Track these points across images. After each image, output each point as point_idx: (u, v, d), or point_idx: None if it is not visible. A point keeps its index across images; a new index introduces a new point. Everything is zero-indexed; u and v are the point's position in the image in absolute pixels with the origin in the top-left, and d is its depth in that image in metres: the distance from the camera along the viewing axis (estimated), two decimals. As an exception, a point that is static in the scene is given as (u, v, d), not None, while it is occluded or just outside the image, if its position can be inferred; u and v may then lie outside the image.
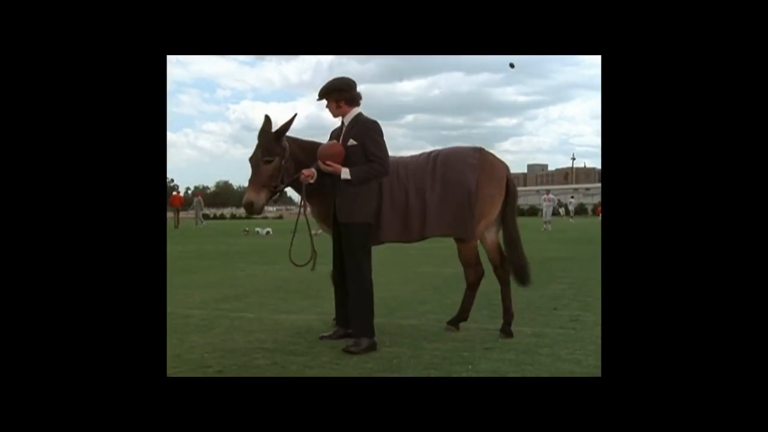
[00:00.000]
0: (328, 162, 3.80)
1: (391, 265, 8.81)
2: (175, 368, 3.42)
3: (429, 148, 4.33)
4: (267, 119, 4.03)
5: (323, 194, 4.02)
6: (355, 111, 3.99)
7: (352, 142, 3.86)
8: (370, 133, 3.88)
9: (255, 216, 5.23)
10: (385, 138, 3.95)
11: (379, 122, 3.95)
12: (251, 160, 4.02)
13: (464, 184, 4.08)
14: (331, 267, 4.14)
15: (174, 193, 30.78)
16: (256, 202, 3.97)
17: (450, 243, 4.37)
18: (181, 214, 28.02)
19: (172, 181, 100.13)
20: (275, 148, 4.00)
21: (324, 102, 3.98)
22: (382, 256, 10.60)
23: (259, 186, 3.99)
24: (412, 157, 4.35)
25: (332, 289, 4.19)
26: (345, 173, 3.78)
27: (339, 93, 3.95)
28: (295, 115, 4.07)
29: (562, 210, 35.85)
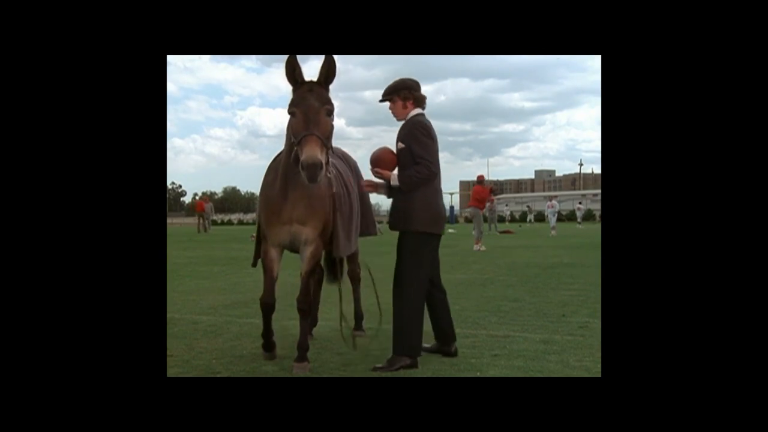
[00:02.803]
0: (377, 169, 3.58)
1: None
2: (183, 374, 3.42)
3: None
4: (293, 60, 3.15)
5: (309, 194, 3.36)
6: (415, 112, 3.67)
7: (400, 145, 3.59)
8: (415, 133, 3.57)
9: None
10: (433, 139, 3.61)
11: (426, 124, 3.61)
12: (299, 108, 3.12)
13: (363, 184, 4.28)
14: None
15: (198, 200, 31.56)
16: (324, 163, 2.99)
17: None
18: (188, 220, 28.50)
19: (180, 186, 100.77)
20: (332, 102, 3.21)
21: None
22: (389, 260, 10.55)
23: (322, 142, 3.03)
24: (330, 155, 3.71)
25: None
26: (394, 179, 3.56)
27: (408, 91, 3.66)
28: (332, 58, 3.21)
29: (579, 215, 35.03)
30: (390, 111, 3.72)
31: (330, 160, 3.51)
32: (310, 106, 3.09)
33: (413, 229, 3.55)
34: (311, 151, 2.94)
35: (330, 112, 3.15)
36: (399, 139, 3.61)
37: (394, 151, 3.63)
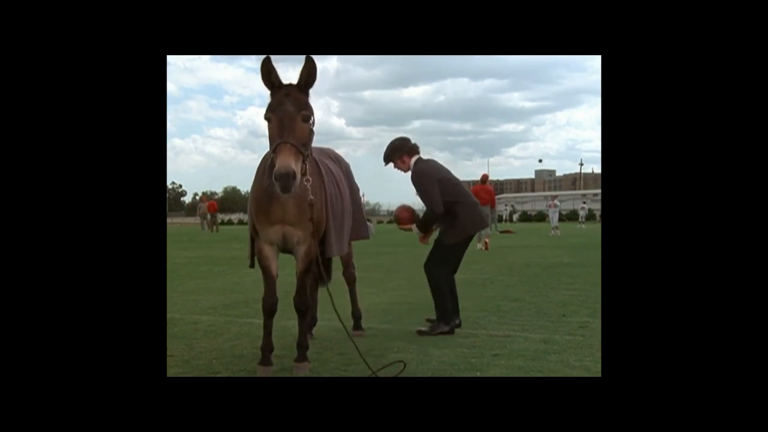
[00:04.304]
0: (401, 226, 4.75)
1: (400, 270, 8.80)
2: (183, 374, 3.43)
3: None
4: (268, 63, 3.01)
5: (298, 195, 3.12)
6: (413, 161, 4.55)
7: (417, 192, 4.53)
8: (417, 185, 4.52)
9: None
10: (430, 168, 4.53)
11: (421, 170, 4.48)
12: (275, 114, 2.99)
13: (355, 187, 4.38)
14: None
15: (210, 200, 32.57)
16: (297, 172, 2.86)
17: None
18: (188, 220, 29.11)
19: (180, 186, 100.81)
20: (310, 107, 3.08)
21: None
22: (390, 261, 10.62)
23: (297, 150, 2.91)
24: (322, 155, 3.96)
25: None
26: (415, 229, 4.65)
27: (400, 151, 4.56)
28: (312, 60, 3.06)
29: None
30: (398, 170, 4.64)
31: (321, 160, 3.60)
32: (285, 112, 2.96)
33: (443, 241, 4.57)
34: (284, 161, 2.81)
35: (307, 118, 3.01)
36: (416, 190, 4.57)
37: (406, 205, 4.92)
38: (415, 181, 4.49)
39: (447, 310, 4.48)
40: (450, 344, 4.11)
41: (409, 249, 4.56)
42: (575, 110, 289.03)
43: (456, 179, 4.67)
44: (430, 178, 4.44)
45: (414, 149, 4.57)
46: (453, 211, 4.46)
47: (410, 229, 4.69)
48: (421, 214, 4.67)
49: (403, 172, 4.60)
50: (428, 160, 4.64)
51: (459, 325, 4.62)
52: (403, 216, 4.75)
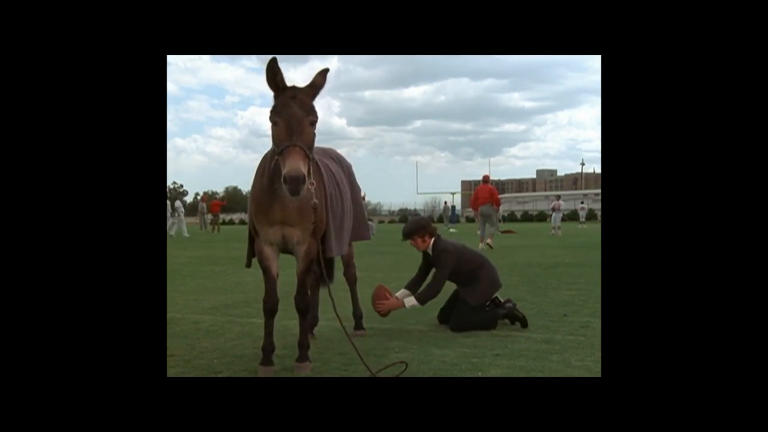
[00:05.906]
0: (380, 302, 4.64)
1: (399, 270, 8.79)
2: (185, 374, 3.43)
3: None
4: (274, 65, 2.99)
5: (301, 197, 3.00)
6: (432, 241, 4.76)
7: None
8: (438, 259, 4.73)
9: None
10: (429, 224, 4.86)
11: (444, 248, 4.70)
12: (282, 116, 2.98)
13: (357, 187, 4.36)
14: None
15: (213, 200, 32.73)
16: (306, 176, 2.88)
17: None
18: (189, 219, 29.22)
19: (182, 186, 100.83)
20: (315, 111, 3.08)
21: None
22: (390, 260, 10.60)
23: (305, 153, 2.93)
24: (323, 156, 4.00)
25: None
26: (410, 302, 4.63)
27: (424, 230, 4.75)
28: (327, 69, 3.20)
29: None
30: (414, 245, 4.84)
31: (321, 160, 3.60)
32: (293, 115, 2.95)
33: (467, 302, 4.69)
34: (294, 164, 2.82)
35: (313, 122, 3.02)
36: (434, 264, 4.75)
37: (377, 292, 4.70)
38: (437, 257, 4.73)
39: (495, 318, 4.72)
40: (451, 344, 4.11)
41: (410, 249, 4.55)
42: (576, 110, 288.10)
43: (472, 250, 5.01)
44: (452, 256, 4.72)
45: (435, 231, 4.88)
46: (475, 276, 4.75)
47: (397, 305, 4.63)
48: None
49: (418, 249, 4.85)
50: (446, 240, 4.93)
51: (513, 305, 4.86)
52: (380, 294, 4.69)
